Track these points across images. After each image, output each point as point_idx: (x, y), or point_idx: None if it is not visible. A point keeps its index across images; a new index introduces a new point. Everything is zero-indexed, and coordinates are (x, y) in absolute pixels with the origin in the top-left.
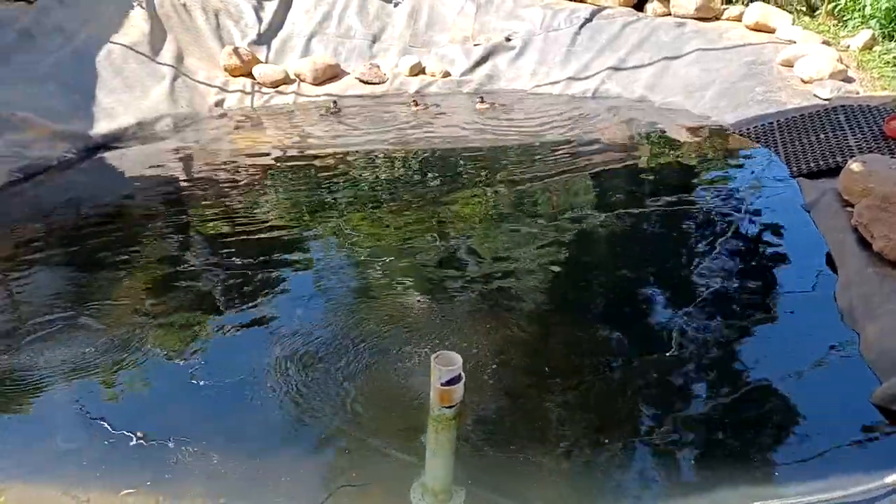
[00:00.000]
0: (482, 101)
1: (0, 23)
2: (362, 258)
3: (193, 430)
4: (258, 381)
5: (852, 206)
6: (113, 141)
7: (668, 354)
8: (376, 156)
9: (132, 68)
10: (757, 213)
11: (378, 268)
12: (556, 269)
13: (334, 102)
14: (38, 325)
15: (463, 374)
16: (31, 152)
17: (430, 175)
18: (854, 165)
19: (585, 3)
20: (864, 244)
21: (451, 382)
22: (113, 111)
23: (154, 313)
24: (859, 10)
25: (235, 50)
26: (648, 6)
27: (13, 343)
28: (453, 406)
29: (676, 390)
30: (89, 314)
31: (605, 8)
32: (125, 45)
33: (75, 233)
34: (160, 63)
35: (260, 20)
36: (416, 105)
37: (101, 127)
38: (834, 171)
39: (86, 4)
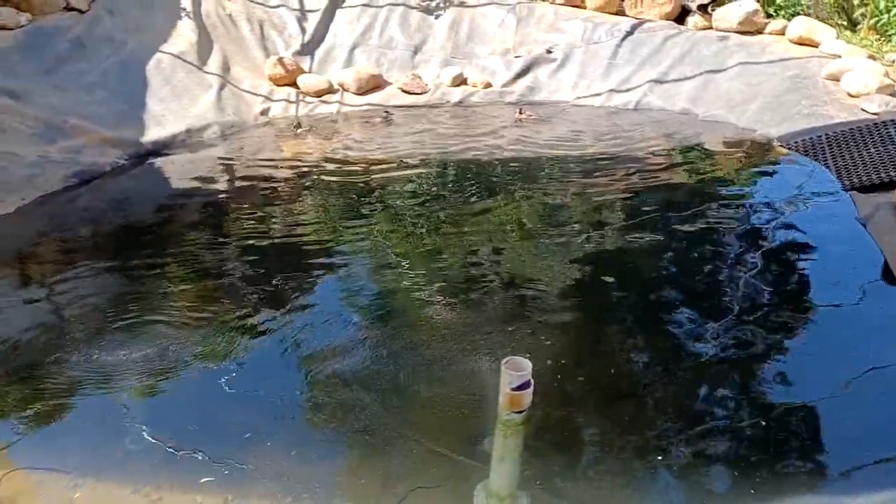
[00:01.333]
0: (521, 112)
1: (53, 32)
2: (397, 265)
3: (260, 437)
4: (314, 388)
5: None
6: (162, 148)
7: (714, 367)
8: (416, 165)
9: (180, 77)
10: (810, 226)
11: (415, 278)
12: (600, 280)
13: (387, 112)
14: (87, 330)
15: (532, 380)
16: (83, 158)
17: (468, 186)
18: None
19: (626, 16)
20: None
21: (520, 388)
22: (163, 119)
23: (197, 320)
24: None
25: (280, 60)
26: (690, 20)
27: (64, 347)
28: (522, 411)
29: (722, 403)
30: (137, 319)
31: (645, 21)
32: (173, 55)
33: (124, 238)
34: (207, 72)
35: (303, 31)
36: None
37: (152, 134)
38: (887, 185)
39: (135, 15)
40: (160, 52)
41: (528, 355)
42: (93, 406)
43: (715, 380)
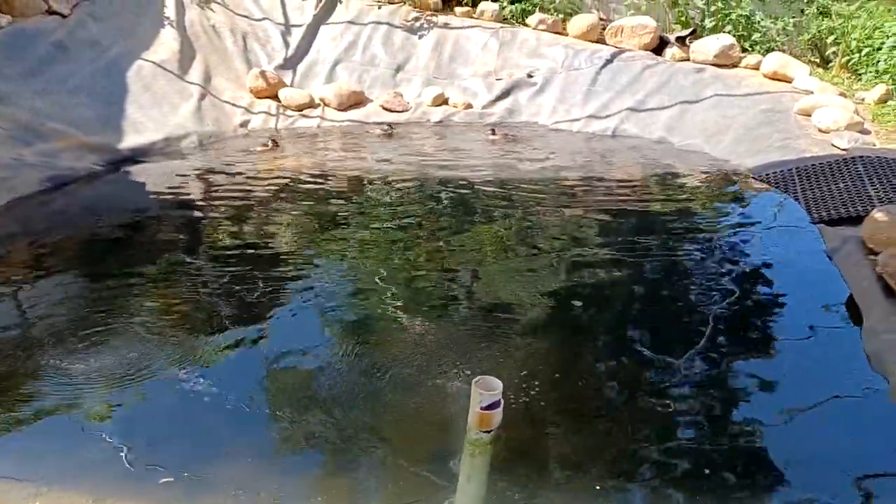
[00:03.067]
0: (493, 133)
1: (35, 34)
2: (371, 284)
3: (220, 447)
4: (287, 402)
5: (876, 254)
6: (140, 155)
7: (678, 393)
8: (392, 182)
9: (161, 85)
10: (778, 257)
11: (389, 295)
12: (565, 303)
13: (389, 125)
14: (55, 335)
15: (502, 400)
16: (59, 162)
17: (444, 204)
18: (878, 214)
19: (607, 45)
20: (889, 291)
21: (490, 407)
22: (141, 126)
23: (172, 329)
24: (873, 64)
25: (262, 73)
26: (668, 51)
27: (30, 352)
28: (491, 431)
29: (692, 428)
30: (105, 326)
31: (625, 51)
32: (155, 63)
33: (96, 244)
34: (188, 82)
35: (287, 45)
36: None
37: (129, 141)
38: (854, 220)
39: (119, 21)
40: (142, 59)
41: (497, 375)
42: (54, 413)
43: (678, 405)
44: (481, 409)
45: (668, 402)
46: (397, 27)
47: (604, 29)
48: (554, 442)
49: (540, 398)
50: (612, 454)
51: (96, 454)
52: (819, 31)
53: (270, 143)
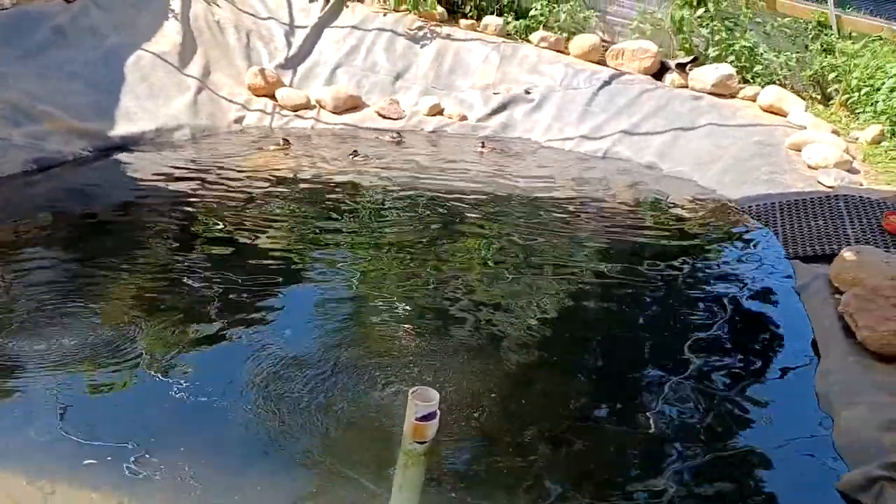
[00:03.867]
0: (483, 146)
1: (38, 17)
2: (356, 289)
3: (167, 440)
4: (237, 399)
5: (841, 293)
6: (130, 144)
7: (646, 420)
8: (384, 190)
9: (159, 76)
10: (749, 290)
11: (371, 301)
12: (547, 322)
13: (398, 132)
14: (28, 315)
15: (438, 411)
16: (47, 145)
17: (434, 216)
18: (847, 254)
19: (607, 66)
20: (849, 332)
21: (426, 418)
22: (134, 115)
23: (141, 317)
24: (872, 104)
25: (262, 71)
26: (668, 76)
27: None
28: (425, 442)
29: (649, 455)
30: (80, 310)
31: (625, 73)
32: (155, 54)
33: (78, 229)
34: (187, 75)
35: (289, 45)
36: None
37: (121, 129)
38: (829, 258)
39: (122, 10)
40: (142, 49)
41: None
42: (10, 393)
43: (644, 432)
44: (416, 419)
45: (635, 430)
46: (400, 35)
47: (605, 50)
48: (522, 454)
49: (505, 409)
50: (580, 473)
51: (40, 435)
52: (822, 68)
53: (282, 142)
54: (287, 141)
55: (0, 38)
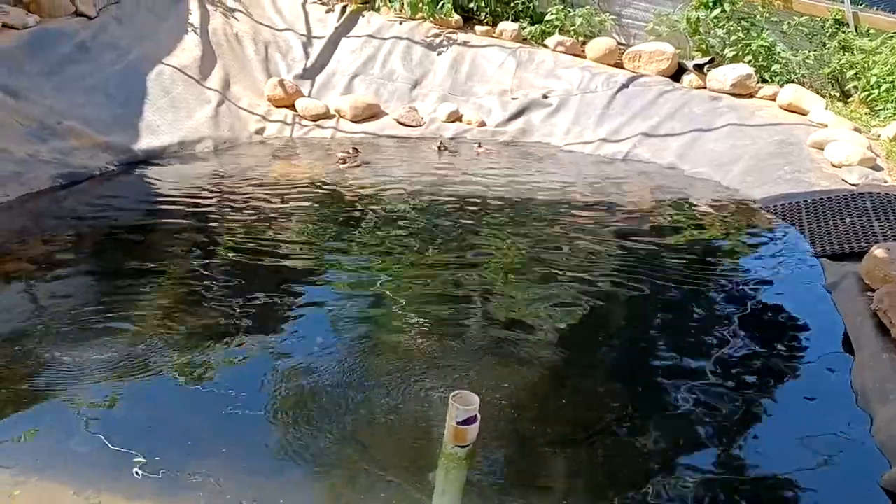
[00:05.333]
0: (479, 146)
1: (59, 35)
2: (378, 295)
3: (202, 448)
4: (270, 406)
5: (873, 290)
6: (153, 157)
7: (675, 422)
8: (403, 197)
9: (180, 90)
10: (778, 289)
11: (395, 308)
12: (572, 324)
13: (441, 142)
14: (60, 328)
15: (479, 415)
16: (73, 160)
17: (453, 221)
18: (878, 251)
19: (624, 69)
20: (882, 329)
21: (466, 422)
22: (157, 128)
23: (171, 328)
24: (892, 100)
25: (281, 82)
26: (685, 78)
27: (32, 345)
28: (467, 446)
29: (681, 457)
30: (109, 321)
31: (642, 76)
32: (176, 67)
33: (105, 243)
34: (207, 87)
35: (307, 55)
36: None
37: (144, 142)
38: (857, 255)
39: (142, 25)
40: (163, 63)
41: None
42: (48, 405)
43: (674, 434)
44: (457, 423)
45: (665, 432)
46: (417, 43)
47: (622, 53)
48: (553, 456)
49: (535, 413)
50: (610, 476)
51: (81, 446)
52: (840, 65)
53: (351, 151)
54: (356, 149)
55: (25, 56)
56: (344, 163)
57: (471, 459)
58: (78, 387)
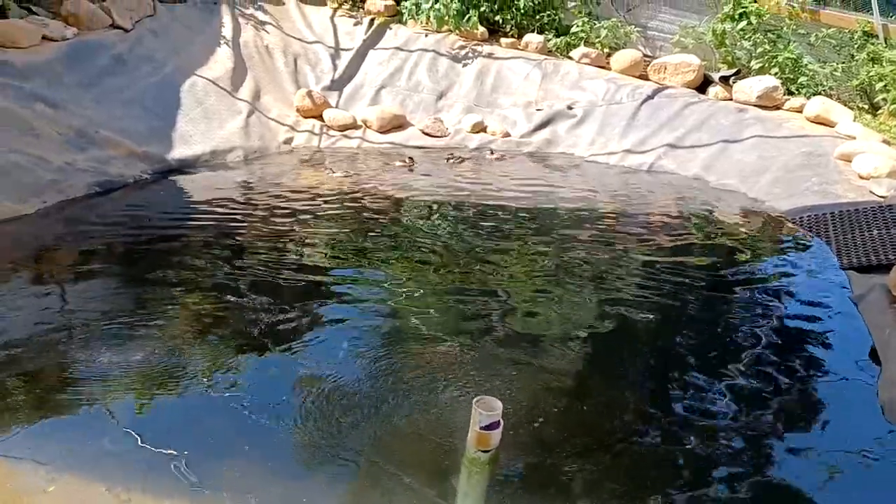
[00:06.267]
0: (492, 153)
1: (96, 47)
2: (405, 304)
3: (228, 451)
4: (295, 410)
5: None
6: (186, 166)
7: (702, 432)
8: (430, 205)
9: (212, 101)
10: (804, 301)
11: (419, 316)
12: (595, 334)
13: (491, 151)
14: (92, 331)
15: (502, 420)
16: (109, 169)
17: (478, 230)
18: None
19: (650, 80)
20: None
21: (489, 427)
22: (190, 138)
23: (200, 334)
24: None
25: (309, 93)
26: (711, 90)
27: (66, 347)
28: (489, 450)
29: (705, 471)
30: (141, 326)
31: (668, 87)
32: (208, 79)
33: (139, 249)
34: (238, 98)
35: (335, 67)
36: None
37: (178, 152)
38: (885, 267)
39: (177, 38)
40: (196, 75)
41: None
42: (82, 405)
43: (698, 448)
44: (480, 428)
45: (689, 443)
46: (443, 55)
47: (647, 65)
48: (577, 464)
49: (559, 421)
50: (635, 485)
51: (114, 445)
52: (869, 77)
53: (408, 160)
54: (412, 159)
55: (64, 68)
56: (410, 169)
57: (493, 464)
58: (110, 389)
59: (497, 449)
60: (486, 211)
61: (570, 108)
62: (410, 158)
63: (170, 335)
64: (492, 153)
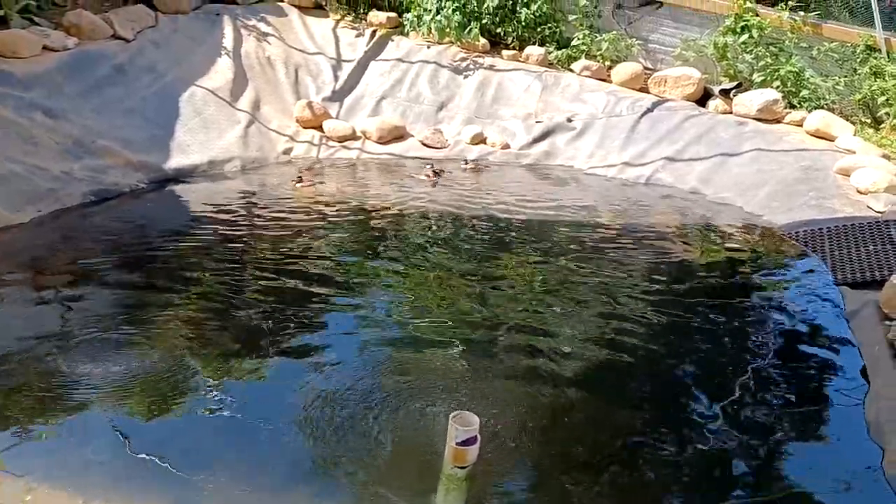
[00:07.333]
0: (466, 163)
1: (97, 57)
2: (402, 314)
3: (214, 462)
4: (286, 422)
5: (892, 319)
6: (184, 175)
7: (693, 449)
8: (428, 216)
9: (211, 111)
10: (797, 317)
11: (416, 327)
12: (591, 349)
13: (465, 161)
14: (85, 341)
15: (479, 436)
16: (106, 178)
17: (478, 242)
18: None
19: (650, 93)
20: None
21: (466, 443)
22: (188, 148)
23: (194, 344)
24: None
25: (309, 104)
26: (711, 103)
27: (56, 355)
28: (466, 466)
29: (697, 484)
30: (134, 335)
31: (668, 100)
32: (208, 89)
33: (134, 257)
34: (238, 108)
35: (336, 78)
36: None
37: (175, 161)
38: (879, 284)
39: (178, 49)
40: (196, 85)
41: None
42: (67, 415)
43: (691, 463)
44: (456, 444)
45: (679, 460)
46: (444, 66)
47: (648, 78)
48: (566, 480)
49: (550, 435)
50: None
51: (97, 455)
52: (871, 92)
53: (432, 174)
54: (437, 173)
55: (64, 78)
56: (436, 180)
57: (470, 481)
58: (98, 397)
59: (479, 463)
60: (485, 222)
61: (569, 120)
62: (436, 172)
63: (160, 344)
64: (466, 163)
